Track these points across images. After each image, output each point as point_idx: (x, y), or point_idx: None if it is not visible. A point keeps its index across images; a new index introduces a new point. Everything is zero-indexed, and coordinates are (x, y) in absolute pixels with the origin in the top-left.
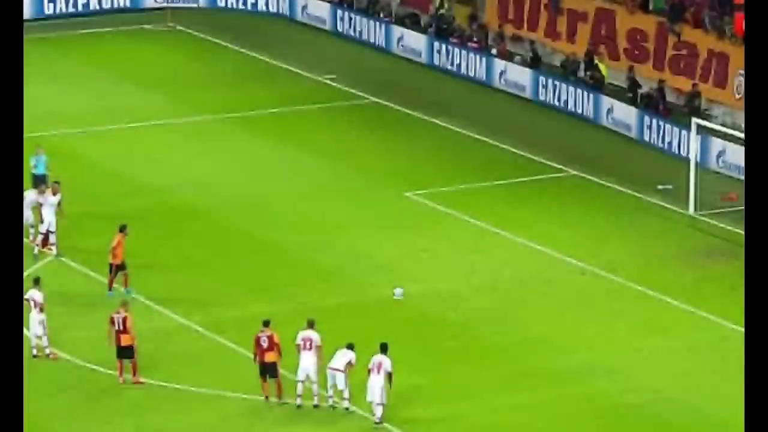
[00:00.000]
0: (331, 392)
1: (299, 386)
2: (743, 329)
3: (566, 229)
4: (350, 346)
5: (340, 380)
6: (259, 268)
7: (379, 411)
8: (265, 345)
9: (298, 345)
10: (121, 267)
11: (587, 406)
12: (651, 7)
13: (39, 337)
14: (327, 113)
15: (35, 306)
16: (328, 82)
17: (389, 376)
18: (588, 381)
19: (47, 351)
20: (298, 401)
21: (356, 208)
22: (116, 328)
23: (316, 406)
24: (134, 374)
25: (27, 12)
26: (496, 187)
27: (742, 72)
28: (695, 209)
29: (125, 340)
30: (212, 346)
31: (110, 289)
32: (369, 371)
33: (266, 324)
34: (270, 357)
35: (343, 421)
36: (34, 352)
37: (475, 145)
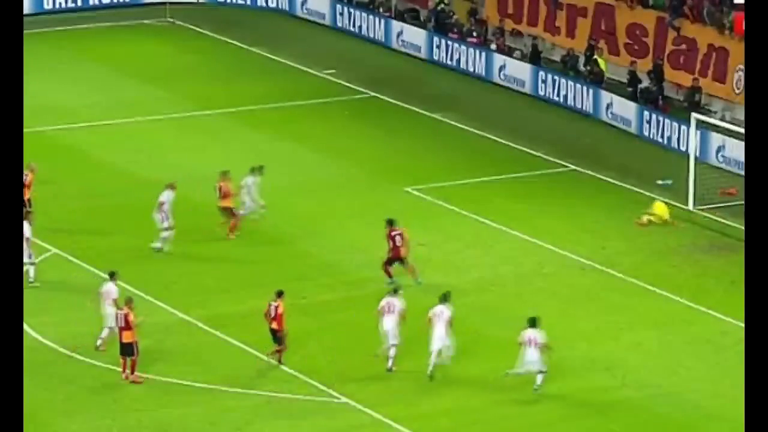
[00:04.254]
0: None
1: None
2: (743, 324)
3: (566, 224)
4: (396, 290)
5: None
6: (258, 263)
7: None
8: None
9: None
10: (402, 261)
11: (587, 401)
12: (650, 2)
13: (111, 329)
14: (327, 108)
15: (107, 300)
16: (328, 77)
17: (449, 323)
18: (587, 375)
19: (99, 342)
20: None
21: (356, 203)
22: (118, 324)
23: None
24: (132, 371)
25: (26, 7)
26: (495, 182)
27: (742, 67)
28: (694, 204)
29: (126, 337)
30: (212, 340)
31: (390, 277)
32: (429, 319)
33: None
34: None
35: (342, 414)
36: (99, 342)
37: (475, 140)
